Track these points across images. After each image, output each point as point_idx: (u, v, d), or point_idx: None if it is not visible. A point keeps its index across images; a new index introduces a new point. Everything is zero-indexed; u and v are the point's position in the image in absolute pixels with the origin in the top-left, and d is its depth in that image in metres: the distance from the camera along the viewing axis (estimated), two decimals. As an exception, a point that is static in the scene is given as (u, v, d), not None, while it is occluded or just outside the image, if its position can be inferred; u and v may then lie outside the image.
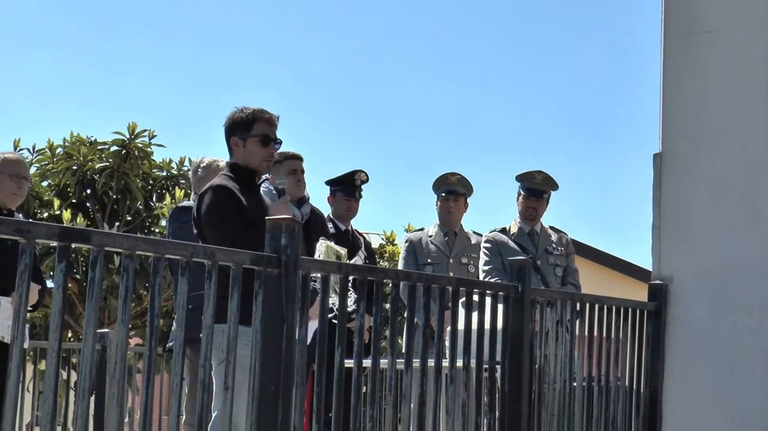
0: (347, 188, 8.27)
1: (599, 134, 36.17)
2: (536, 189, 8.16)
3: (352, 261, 7.81)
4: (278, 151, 6.15)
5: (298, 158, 7.42)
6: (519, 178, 8.23)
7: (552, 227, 8.36)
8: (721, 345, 6.29)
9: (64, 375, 10.34)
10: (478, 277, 8.08)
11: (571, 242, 8.43)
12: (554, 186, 8.24)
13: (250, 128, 5.82)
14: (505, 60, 35.88)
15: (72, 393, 10.74)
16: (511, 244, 8.09)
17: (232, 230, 5.51)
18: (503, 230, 8.23)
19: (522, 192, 8.21)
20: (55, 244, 3.49)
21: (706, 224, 6.43)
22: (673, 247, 6.52)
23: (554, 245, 8.21)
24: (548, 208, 8.34)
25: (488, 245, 8.15)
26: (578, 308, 6.02)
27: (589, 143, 36.27)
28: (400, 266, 8.67)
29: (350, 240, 8.24)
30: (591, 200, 32.52)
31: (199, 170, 7.44)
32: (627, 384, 6.43)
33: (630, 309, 6.42)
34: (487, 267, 8.05)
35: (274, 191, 6.20)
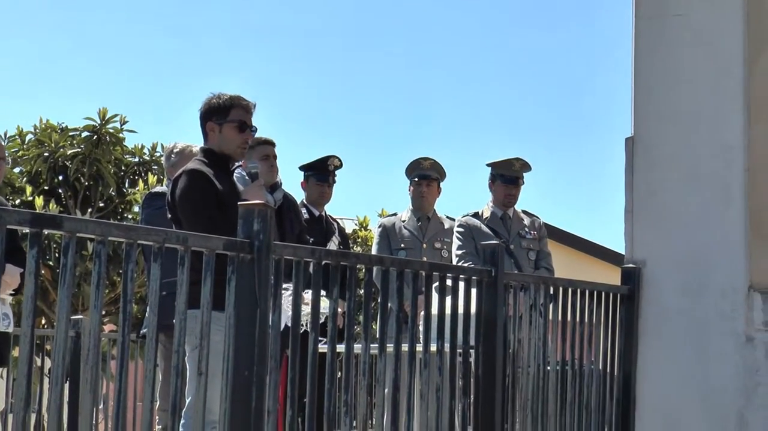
0: (320, 173, 8.26)
1: (571, 116, 36.24)
2: (515, 176, 8.18)
3: (326, 247, 7.81)
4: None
5: (270, 144, 7.42)
6: (495, 166, 8.22)
7: (524, 211, 8.38)
8: (694, 329, 6.32)
9: (39, 361, 10.31)
10: (451, 262, 8.09)
11: (544, 226, 8.45)
12: (529, 169, 8.26)
13: (227, 114, 5.82)
14: (475, 42, 35.87)
15: (47, 380, 10.71)
16: (484, 228, 8.10)
17: (207, 213, 5.50)
18: (476, 215, 8.24)
19: (499, 180, 8.21)
20: (27, 230, 3.48)
21: (679, 208, 6.45)
22: (646, 231, 6.54)
23: (527, 229, 8.23)
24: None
25: (461, 229, 8.16)
26: (552, 292, 6.03)
27: (561, 125, 36.33)
28: (373, 252, 8.67)
29: (324, 226, 8.24)
30: (563, 183, 32.60)
31: (173, 155, 7.43)
32: (601, 367, 6.46)
33: (603, 293, 6.44)
34: (460, 252, 8.06)
35: (247, 177, 6.19)
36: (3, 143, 6.87)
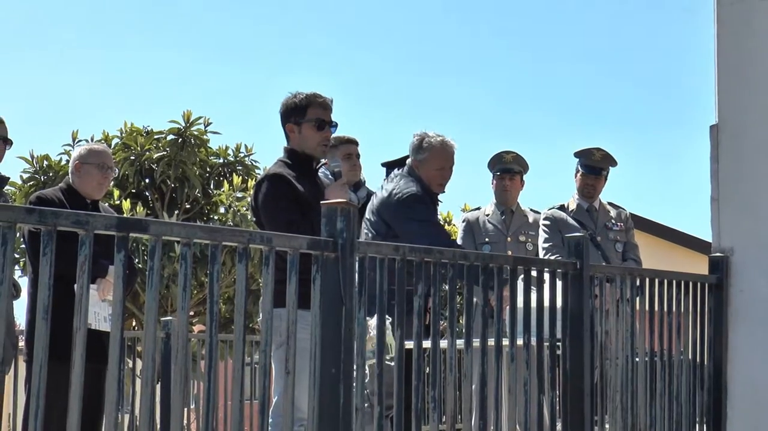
0: (405, 171, 8.23)
1: (654, 103, 35.91)
2: (595, 167, 8.11)
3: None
4: (334, 135, 6.15)
5: (353, 143, 7.42)
6: (578, 154, 8.17)
7: (610, 203, 8.31)
8: (785, 316, 6.24)
9: (130, 363, 10.44)
10: (536, 255, 8.05)
11: (630, 218, 8.36)
12: (613, 163, 8.17)
13: (304, 113, 5.83)
14: (557, 34, 35.68)
15: (139, 381, 10.83)
16: (570, 221, 8.05)
17: (287, 218, 5.51)
18: (561, 207, 8.19)
19: (580, 169, 8.15)
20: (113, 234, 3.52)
21: (765, 196, 6.37)
22: (733, 219, 6.46)
23: (613, 221, 8.16)
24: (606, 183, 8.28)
25: (547, 222, 8.11)
26: (638, 283, 5.98)
27: (645, 113, 36.02)
28: (458, 246, 8.64)
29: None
30: (647, 172, 32.32)
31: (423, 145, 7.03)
32: (690, 357, 6.40)
33: (691, 283, 6.38)
34: (546, 245, 8.02)
35: (330, 176, 6.21)
36: (110, 152, 6.95)
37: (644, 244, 9.81)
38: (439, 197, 6.84)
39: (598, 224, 8.10)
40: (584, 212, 8.13)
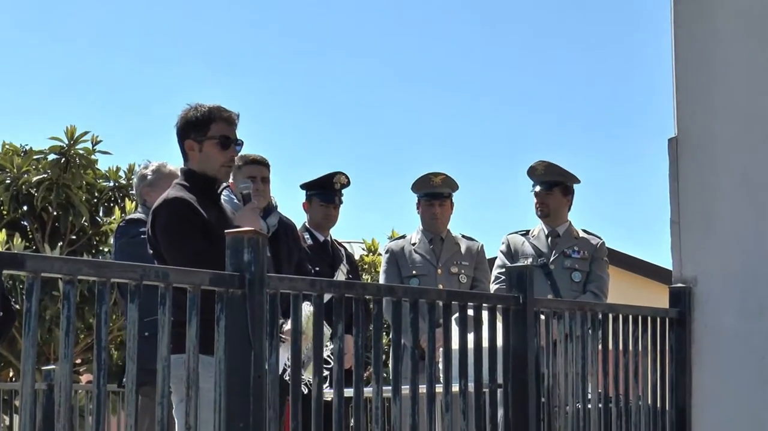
0: (325, 193, 8.20)
1: (609, 120, 36.17)
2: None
3: (334, 277, 7.80)
4: (239, 154, 6.10)
5: (260, 163, 7.27)
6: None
7: (585, 230, 8.32)
8: (755, 355, 6.31)
9: (7, 420, 10.35)
10: (470, 288, 8.10)
11: (603, 248, 8.31)
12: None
13: (206, 129, 5.74)
14: (496, 50, 35.84)
15: (16, 441, 10.72)
16: (527, 246, 8.15)
17: (194, 247, 5.43)
18: (526, 233, 8.29)
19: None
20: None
21: (732, 218, 6.43)
22: (696, 245, 6.52)
23: (575, 248, 8.19)
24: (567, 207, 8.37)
25: (502, 247, 8.27)
26: (590, 319, 6.03)
27: (599, 132, 36.27)
28: (381, 280, 8.59)
29: (330, 252, 8.22)
30: (603, 195, 32.51)
31: (149, 174, 7.39)
32: (650, 403, 6.45)
33: (650, 318, 6.43)
34: (496, 272, 8.14)
35: (236, 201, 6.17)
36: None
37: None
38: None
39: (556, 250, 8.14)
40: (543, 238, 8.20)
